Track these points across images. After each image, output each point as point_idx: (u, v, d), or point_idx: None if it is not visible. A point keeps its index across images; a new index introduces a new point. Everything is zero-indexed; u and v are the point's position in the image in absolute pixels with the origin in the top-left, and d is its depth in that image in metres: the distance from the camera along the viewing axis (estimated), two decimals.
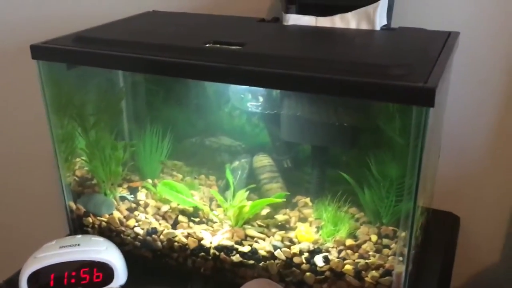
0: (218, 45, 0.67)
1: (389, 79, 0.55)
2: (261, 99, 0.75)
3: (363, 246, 0.68)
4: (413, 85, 0.54)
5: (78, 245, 0.73)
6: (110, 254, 0.73)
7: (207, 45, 0.67)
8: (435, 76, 0.56)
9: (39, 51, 0.71)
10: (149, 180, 0.84)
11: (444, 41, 0.71)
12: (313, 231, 0.72)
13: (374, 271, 0.65)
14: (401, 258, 0.64)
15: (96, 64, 0.71)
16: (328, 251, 0.68)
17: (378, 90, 0.55)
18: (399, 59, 0.62)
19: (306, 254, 0.68)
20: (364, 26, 0.76)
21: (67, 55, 0.71)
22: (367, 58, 0.64)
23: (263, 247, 0.70)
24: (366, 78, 0.56)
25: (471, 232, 0.93)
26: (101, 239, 0.76)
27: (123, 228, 0.78)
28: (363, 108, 0.70)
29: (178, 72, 0.67)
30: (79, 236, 0.77)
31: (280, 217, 0.76)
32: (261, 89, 0.75)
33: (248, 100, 0.76)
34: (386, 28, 0.76)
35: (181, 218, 0.77)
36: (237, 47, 0.66)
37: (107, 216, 0.79)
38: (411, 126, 0.57)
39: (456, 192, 0.92)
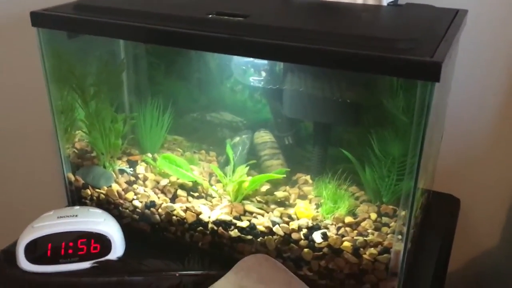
0: (221, 16, 0.66)
1: (395, 53, 0.54)
2: (263, 73, 0.74)
3: (362, 224, 0.68)
4: (419, 59, 0.53)
5: (76, 216, 0.73)
6: (108, 226, 0.72)
7: (210, 15, 0.66)
8: (441, 51, 0.55)
9: (39, 18, 0.70)
10: (149, 154, 0.84)
11: (451, 18, 0.69)
12: (312, 208, 0.72)
13: (372, 249, 0.65)
14: (400, 237, 0.64)
15: (96, 32, 0.70)
16: (326, 228, 0.68)
17: (384, 64, 0.54)
18: (406, 33, 0.61)
19: (304, 231, 0.68)
20: (370, 1, 0.74)
21: (67, 23, 0.70)
22: (373, 32, 0.62)
23: (261, 222, 0.70)
24: (372, 51, 0.54)
25: (471, 214, 0.93)
26: (99, 210, 0.75)
27: (121, 201, 0.78)
28: (366, 84, 0.69)
29: (180, 42, 0.66)
30: (77, 207, 0.77)
31: (279, 193, 0.75)
32: (263, 63, 0.73)
33: (250, 74, 0.75)
34: (393, 4, 0.75)
35: (180, 192, 0.77)
36: (240, 18, 0.65)
37: (105, 188, 0.79)
38: (415, 102, 0.56)
39: (457, 175, 0.92)
